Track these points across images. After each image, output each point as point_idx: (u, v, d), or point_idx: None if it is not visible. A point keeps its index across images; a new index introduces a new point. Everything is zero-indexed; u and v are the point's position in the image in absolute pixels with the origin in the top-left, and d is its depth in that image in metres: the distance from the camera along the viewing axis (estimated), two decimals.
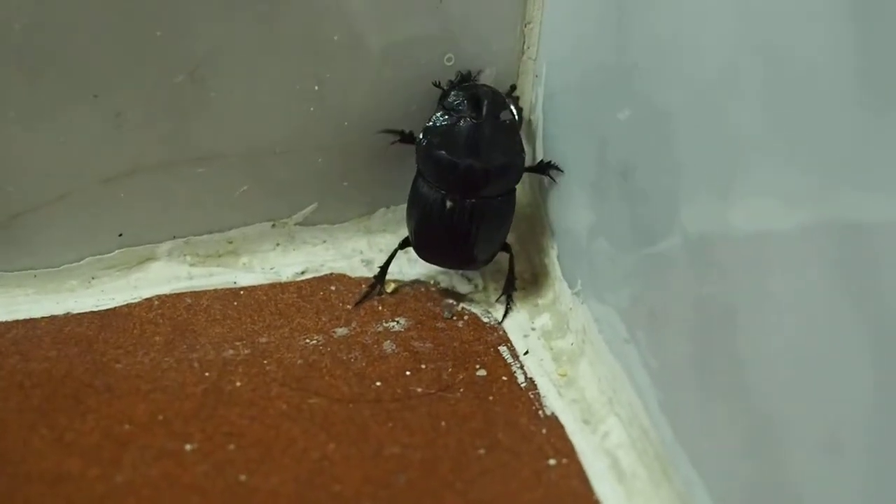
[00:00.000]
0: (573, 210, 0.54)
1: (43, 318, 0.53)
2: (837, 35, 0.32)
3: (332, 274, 0.58)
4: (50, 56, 0.48)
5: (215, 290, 0.56)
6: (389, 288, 0.57)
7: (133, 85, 0.50)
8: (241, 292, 0.56)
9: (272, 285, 0.56)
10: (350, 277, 0.57)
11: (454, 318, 0.55)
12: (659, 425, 0.45)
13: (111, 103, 0.50)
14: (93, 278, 0.55)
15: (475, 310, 0.56)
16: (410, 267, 0.58)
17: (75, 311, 0.53)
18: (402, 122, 0.55)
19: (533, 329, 0.55)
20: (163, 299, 0.54)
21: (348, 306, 0.55)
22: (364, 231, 0.60)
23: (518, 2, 0.54)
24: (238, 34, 0.51)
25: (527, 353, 0.53)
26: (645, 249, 0.46)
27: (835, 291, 0.34)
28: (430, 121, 0.53)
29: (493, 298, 0.57)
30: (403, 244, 0.56)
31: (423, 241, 0.55)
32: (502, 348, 0.54)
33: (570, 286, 0.54)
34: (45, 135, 0.50)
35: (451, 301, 0.57)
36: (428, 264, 0.57)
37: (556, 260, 0.56)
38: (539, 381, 0.52)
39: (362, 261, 0.58)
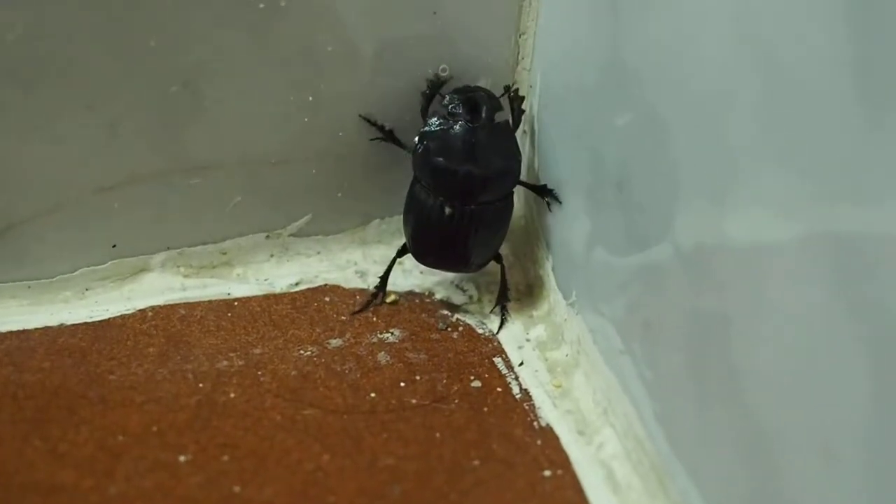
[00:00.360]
0: (568, 221, 0.54)
1: (37, 329, 0.52)
2: (835, 44, 0.32)
3: (326, 285, 0.57)
4: (44, 67, 0.48)
5: (209, 302, 0.55)
6: (389, 298, 0.57)
7: (127, 95, 0.50)
8: (235, 303, 0.56)
9: (266, 296, 0.56)
10: (344, 289, 0.57)
11: (449, 329, 0.55)
12: (654, 436, 0.45)
13: (105, 114, 0.50)
14: (87, 289, 0.55)
15: (470, 321, 0.56)
16: (405, 278, 0.58)
17: (69, 323, 0.53)
18: (396, 132, 0.55)
19: (528, 340, 0.55)
20: (157, 310, 0.54)
21: (343, 317, 0.55)
22: (358, 242, 0.60)
23: (513, 12, 0.54)
24: (232, 44, 0.51)
25: (521, 364, 0.53)
26: (640, 260, 0.46)
27: (830, 301, 0.34)
28: (425, 125, 0.53)
29: (488, 309, 0.57)
30: (401, 252, 0.56)
31: (421, 246, 0.55)
32: (497, 359, 0.54)
33: (565, 297, 0.54)
34: (39, 145, 0.50)
35: (445, 312, 0.56)
36: (422, 276, 0.57)
37: (550, 271, 0.56)
38: (534, 392, 0.52)
39: (356, 272, 0.58)
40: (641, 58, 0.44)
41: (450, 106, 0.53)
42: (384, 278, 0.56)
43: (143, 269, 0.56)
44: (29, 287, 0.54)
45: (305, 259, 0.59)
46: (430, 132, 0.53)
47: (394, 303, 0.57)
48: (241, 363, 0.51)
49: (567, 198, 0.53)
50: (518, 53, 0.56)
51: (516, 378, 0.52)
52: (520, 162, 0.54)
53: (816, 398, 0.35)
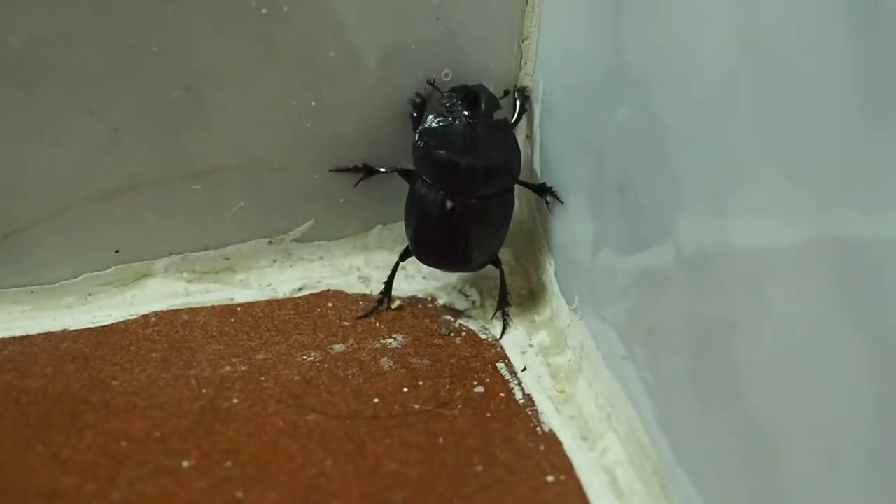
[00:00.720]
0: (571, 226, 0.54)
1: (39, 334, 0.52)
2: (836, 47, 0.32)
3: (329, 290, 0.57)
4: (46, 71, 0.48)
5: (212, 307, 0.55)
6: (395, 304, 0.57)
7: (129, 100, 0.50)
8: (238, 309, 0.55)
9: (269, 302, 0.56)
10: (347, 294, 0.57)
11: (451, 334, 0.55)
12: (657, 441, 0.45)
13: (107, 119, 0.51)
14: (89, 295, 0.55)
15: (473, 326, 0.56)
16: (408, 283, 0.58)
17: (72, 328, 0.53)
18: (399, 137, 0.55)
19: (531, 345, 0.55)
20: (159, 316, 0.54)
21: (346, 323, 0.55)
22: (361, 248, 0.60)
23: (515, 17, 0.54)
24: (235, 49, 0.51)
25: (524, 369, 0.53)
26: (642, 264, 0.46)
27: (833, 306, 0.33)
28: (424, 122, 0.53)
29: (491, 315, 0.57)
30: (403, 255, 0.56)
31: (423, 243, 0.55)
32: (500, 365, 0.54)
33: (568, 302, 0.54)
34: (41, 151, 0.50)
35: (448, 317, 0.56)
36: (425, 281, 0.57)
37: (553, 276, 0.56)
38: (537, 397, 0.52)
39: (359, 277, 0.58)
40: (643, 62, 0.44)
41: (448, 103, 0.53)
42: (388, 284, 0.56)
43: (146, 275, 0.56)
44: (32, 292, 0.54)
45: (308, 264, 0.59)
46: (430, 128, 0.53)
47: (398, 308, 0.57)
48: (244, 369, 0.51)
49: (569, 202, 0.53)
50: (521, 58, 0.56)
51: (519, 383, 0.52)
52: (520, 158, 0.54)
53: (818, 402, 0.35)
